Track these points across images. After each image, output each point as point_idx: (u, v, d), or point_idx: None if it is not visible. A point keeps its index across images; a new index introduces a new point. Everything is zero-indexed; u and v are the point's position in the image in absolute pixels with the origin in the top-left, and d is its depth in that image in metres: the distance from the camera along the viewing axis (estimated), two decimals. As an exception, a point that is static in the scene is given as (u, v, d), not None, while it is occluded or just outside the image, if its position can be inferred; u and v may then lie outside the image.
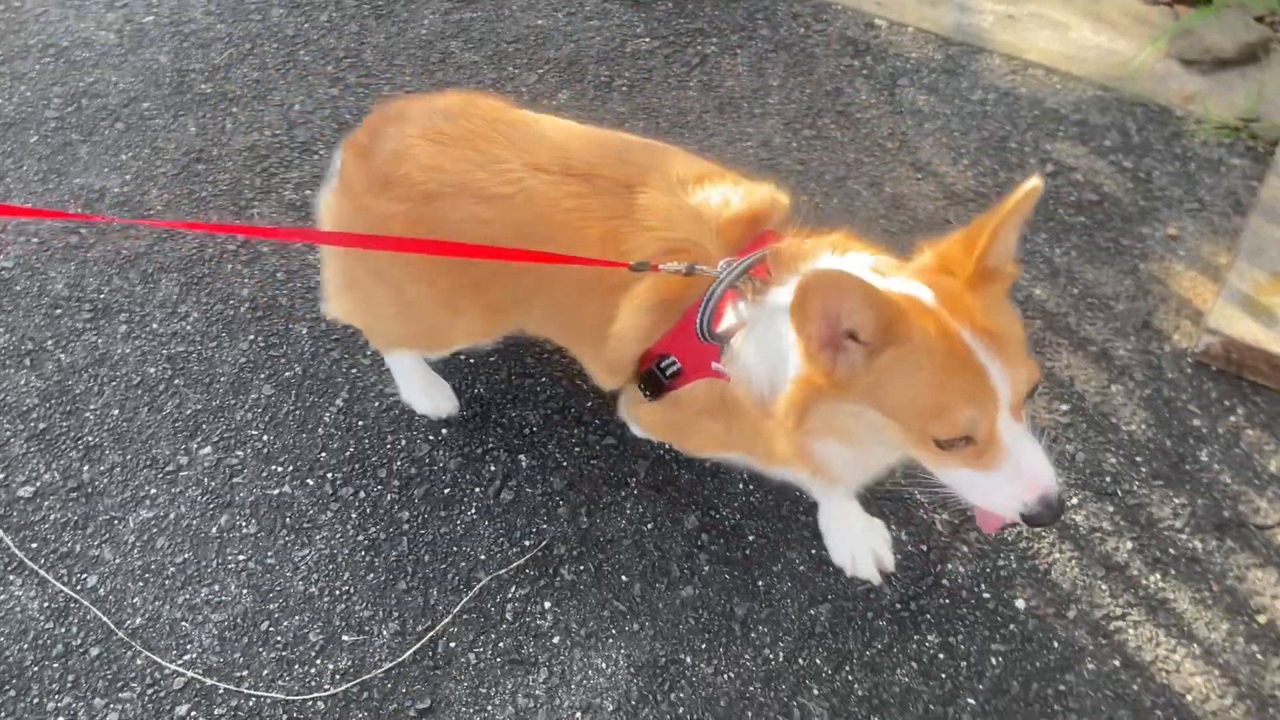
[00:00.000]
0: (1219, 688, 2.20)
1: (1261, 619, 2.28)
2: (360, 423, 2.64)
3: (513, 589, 2.37)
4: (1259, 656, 2.23)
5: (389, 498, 2.52)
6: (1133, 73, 3.27)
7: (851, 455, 1.78)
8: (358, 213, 2.10)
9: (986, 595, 2.32)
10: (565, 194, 1.94)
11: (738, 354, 1.81)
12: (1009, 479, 1.57)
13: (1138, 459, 2.50)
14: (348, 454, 2.59)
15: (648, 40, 3.51)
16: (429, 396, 2.61)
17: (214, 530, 2.47)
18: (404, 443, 2.60)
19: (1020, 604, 2.31)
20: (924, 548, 2.39)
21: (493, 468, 2.55)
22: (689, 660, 2.27)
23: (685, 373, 1.93)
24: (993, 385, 1.51)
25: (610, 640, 2.30)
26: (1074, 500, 2.45)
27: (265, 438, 2.63)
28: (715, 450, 2.19)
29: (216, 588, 2.39)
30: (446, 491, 2.52)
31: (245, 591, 2.38)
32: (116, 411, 2.67)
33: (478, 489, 2.52)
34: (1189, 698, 2.19)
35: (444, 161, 2.01)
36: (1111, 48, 3.34)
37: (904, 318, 1.51)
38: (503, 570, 2.39)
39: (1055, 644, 2.26)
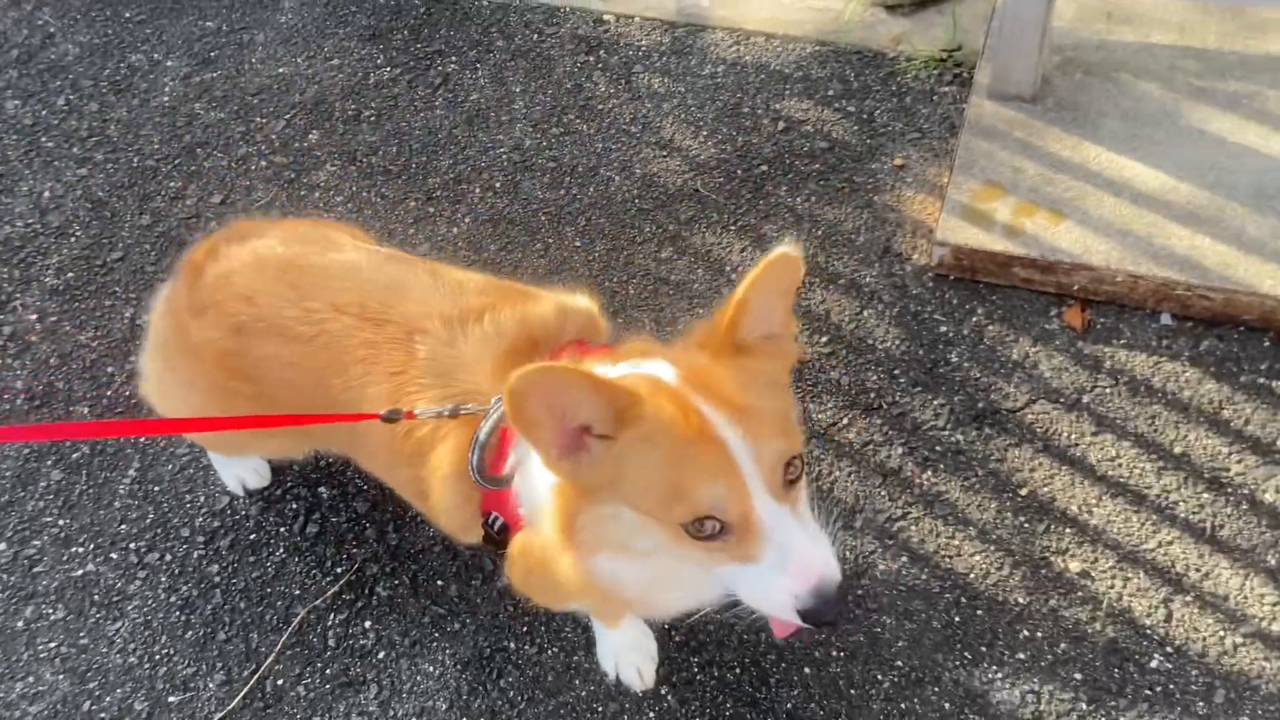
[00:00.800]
0: (996, 561, 2.39)
1: (1023, 491, 2.49)
2: (156, 488, 2.64)
3: (332, 616, 2.41)
4: (1026, 525, 2.44)
5: (195, 555, 2.52)
6: (844, 25, 3.50)
7: (640, 571, 1.60)
8: (176, 330, 2.07)
9: (779, 523, 2.47)
10: (359, 342, 1.85)
11: (521, 491, 1.71)
12: (775, 568, 1.40)
13: (895, 371, 2.70)
14: (148, 521, 2.59)
15: (389, 69, 3.58)
16: (234, 472, 2.60)
17: (19, 624, 2.44)
18: (203, 499, 2.61)
19: (810, 524, 2.46)
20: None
21: (294, 505, 2.58)
22: (513, 645, 2.35)
23: (509, 525, 1.82)
24: (734, 459, 1.37)
25: (434, 644, 2.36)
26: (844, 420, 2.63)
27: (61, 522, 2.60)
28: (556, 601, 2.01)
29: (30, 680, 2.36)
30: (252, 537, 2.54)
31: (61, 677, 2.36)
32: (-102, 529, 2.61)
33: (282, 528, 2.54)
34: (971, 576, 2.38)
35: (257, 294, 1.94)
36: (822, 6, 3.57)
37: (634, 399, 1.39)
38: (319, 600, 2.43)
39: (847, 553, 2.42)
